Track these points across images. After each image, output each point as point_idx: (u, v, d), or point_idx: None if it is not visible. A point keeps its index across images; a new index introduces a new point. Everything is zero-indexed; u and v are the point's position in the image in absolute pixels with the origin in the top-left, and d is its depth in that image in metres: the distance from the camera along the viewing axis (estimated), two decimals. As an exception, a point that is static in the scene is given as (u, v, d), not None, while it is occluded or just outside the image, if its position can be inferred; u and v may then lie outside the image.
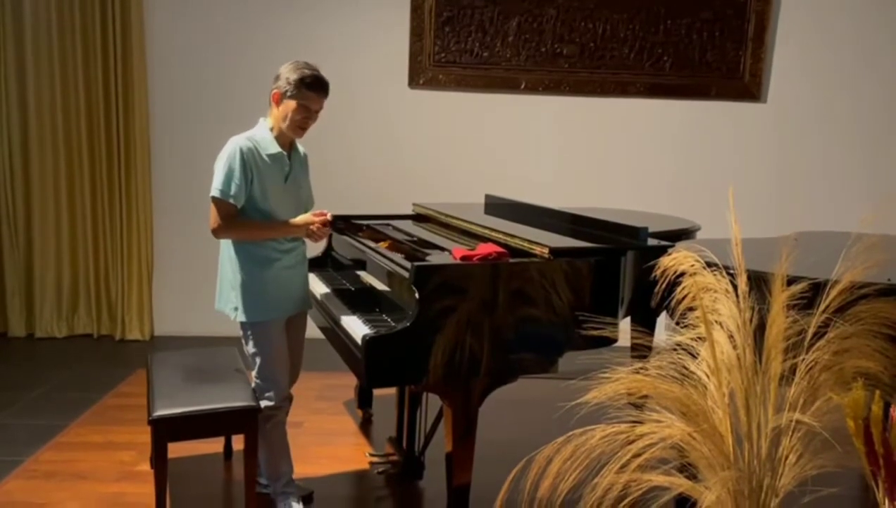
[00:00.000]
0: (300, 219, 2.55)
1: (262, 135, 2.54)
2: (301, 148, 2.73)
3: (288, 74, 2.46)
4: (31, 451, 3.19)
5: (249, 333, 2.59)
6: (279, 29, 4.71)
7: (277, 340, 2.61)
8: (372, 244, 2.97)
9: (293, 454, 2.75)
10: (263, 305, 2.56)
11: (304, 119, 2.49)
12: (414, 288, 2.26)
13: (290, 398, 2.73)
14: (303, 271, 2.72)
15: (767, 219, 4.18)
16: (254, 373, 2.63)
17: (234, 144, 2.48)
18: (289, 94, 2.46)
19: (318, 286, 3.10)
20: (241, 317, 2.56)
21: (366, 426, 3.60)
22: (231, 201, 2.45)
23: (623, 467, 1.64)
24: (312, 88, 2.46)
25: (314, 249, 2.89)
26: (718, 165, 4.98)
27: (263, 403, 2.58)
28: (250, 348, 2.60)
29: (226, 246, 2.60)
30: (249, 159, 2.46)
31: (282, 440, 2.69)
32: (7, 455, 3.14)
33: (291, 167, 2.59)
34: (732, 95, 4.93)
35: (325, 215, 2.56)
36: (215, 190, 2.45)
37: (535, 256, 2.48)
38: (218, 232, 2.50)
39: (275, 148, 2.53)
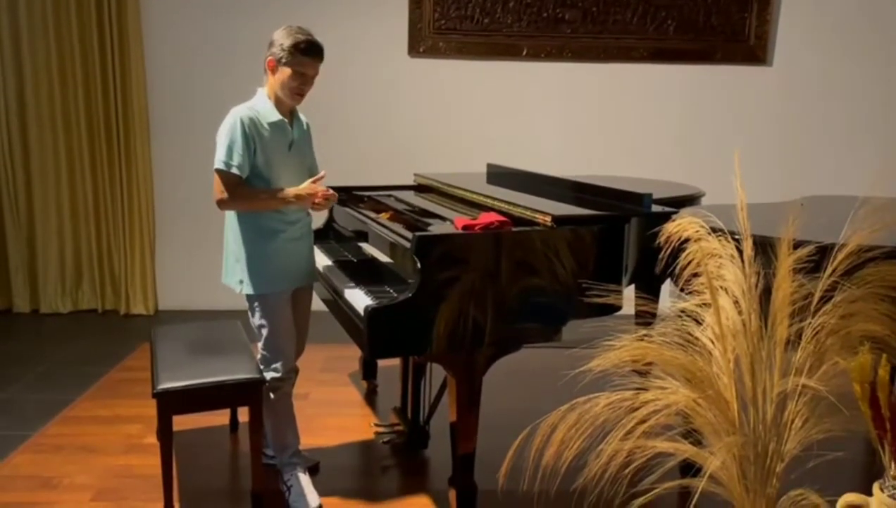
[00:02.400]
0: (303, 188, 2.52)
1: (262, 104, 2.51)
2: (303, 117, 2.70)
3: (281, 40, 2.43)
4: (38, 425, 3.21)
5: (256, 305, 2.58)
6: (276, -2, 4.65)
7: (283, 312, 2.60)
8: (373, 215, 2.95)
9: (299, 425, 2.76)
10: (269, 277, 2.55)
11: (300, 85, 2.46)
12: (416, 258, 2.24)
13: (295, 370, 2.74)
14: (308, 243, 2.70)
15: (773, 184, 4.14)
16: (260, 345, 2.63)
17: (235, 115, 2.45)
18: (283, 60, 2.43)
19: (320, 258, 3.09)
20: (246, 289, 2.55)
21: (371, 396, 3.62)
22: (235, 171, 2.42)
23: (628, 434, 1.64)
24: (307, 53, 2.43)
25: (316, 221, 2.87)
26: (723, 130, 4.92)
27: (269, 375, 2.58)
28: (256, 320, 2.60)
29: (230, 219, 2.58)
30: (251, 129, 2.44)
31: (288, 411, 2.70)
32: (15, 430, 3.17)
33: (294, 135, 2.57)
34: (738, 58, 4.85)
35: (322, 176, 2.54)
36: (219, 162, 2.43)
37: (537, 224, 2.46)
38: (223, 204, 2.47)
39: (276, 116, 2.50)
